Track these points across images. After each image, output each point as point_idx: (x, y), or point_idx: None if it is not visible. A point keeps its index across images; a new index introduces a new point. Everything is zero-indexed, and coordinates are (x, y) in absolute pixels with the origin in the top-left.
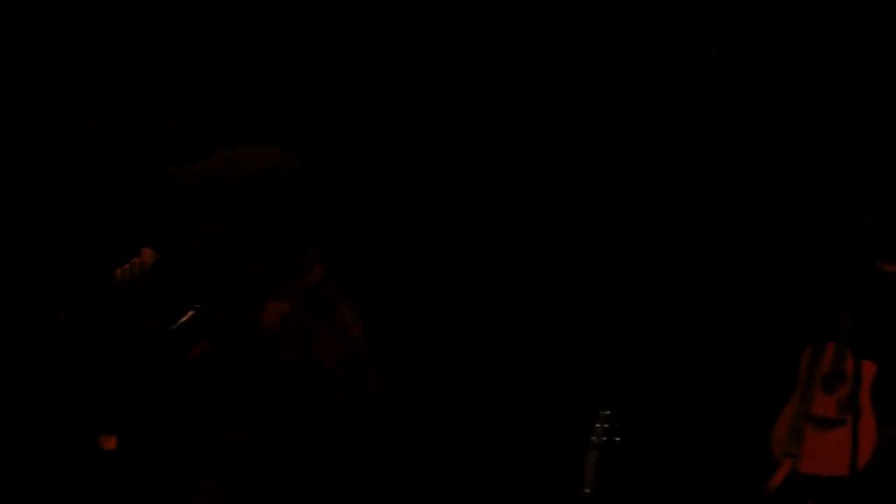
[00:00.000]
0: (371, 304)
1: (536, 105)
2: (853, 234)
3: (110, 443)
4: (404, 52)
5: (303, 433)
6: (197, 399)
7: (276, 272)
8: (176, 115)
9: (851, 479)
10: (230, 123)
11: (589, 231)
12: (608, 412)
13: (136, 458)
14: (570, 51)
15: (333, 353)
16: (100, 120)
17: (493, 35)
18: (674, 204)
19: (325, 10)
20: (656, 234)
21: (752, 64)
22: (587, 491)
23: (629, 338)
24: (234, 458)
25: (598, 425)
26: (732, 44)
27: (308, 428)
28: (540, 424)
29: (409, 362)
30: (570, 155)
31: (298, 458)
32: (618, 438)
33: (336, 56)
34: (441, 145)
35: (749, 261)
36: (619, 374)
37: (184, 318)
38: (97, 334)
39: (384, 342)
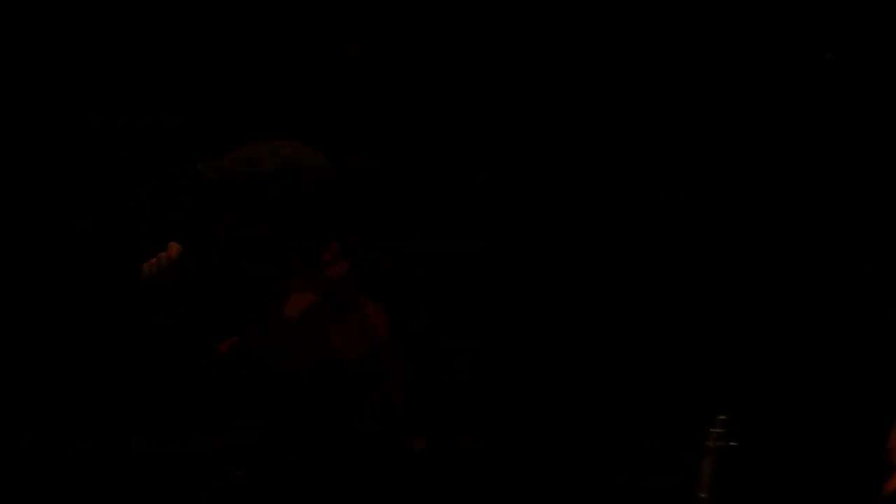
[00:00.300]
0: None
1: (536, 105)
2: None
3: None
4: (405, 52)
5: (309, 432)
6: (209, 397)
7: (291, 269)
8: (176, 115)
9: None
10: (230, 123)
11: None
12: (724, 417)
13: (147, 459)
14: (570, 50)
15: (353, 350)
16: (100, 120)
17: (493, 35)
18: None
19: (325, 10)
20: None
21: (752, 63)
22: (702, 496)
23: (747, 341)
24: (243, 457)
25: (714, 430)
26: (732, 42)
27: (314, 427)
28: (655, 429)
29: (518, 367)
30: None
31: (305, 457)
32: (734, 443)
33: (336, 56)
34: (442, 145)
35: (861, 264)
36: (735, 378)
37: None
38: (112, 332)
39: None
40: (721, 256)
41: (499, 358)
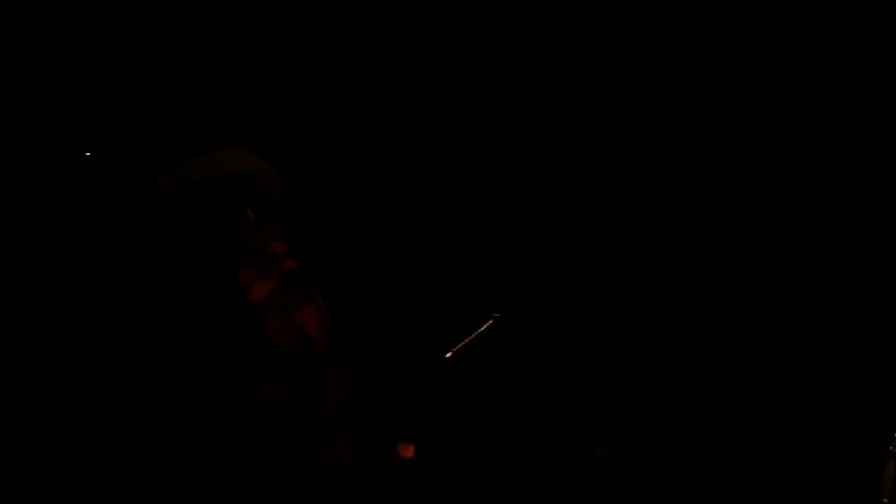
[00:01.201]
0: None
1: (537, 106)
2: None
3: (408, 451)
4: (406, 53)
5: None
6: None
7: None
8: (176, 115)
9: None
10: (230, 123)
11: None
12: None
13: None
14: (571, 49)
15: (317, 330)
16: (100, 120)
17: (491, 35)
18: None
19: (325, 11)
20: None
21: (752, 62)
22: (885, 501)
23: None
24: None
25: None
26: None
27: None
28: (836, 435)
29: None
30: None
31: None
32: None
33: (336, 56)
34: (443, 146)
35: None
36: None
37: (484, 327)
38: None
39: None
40: None
41: (683, 362)
